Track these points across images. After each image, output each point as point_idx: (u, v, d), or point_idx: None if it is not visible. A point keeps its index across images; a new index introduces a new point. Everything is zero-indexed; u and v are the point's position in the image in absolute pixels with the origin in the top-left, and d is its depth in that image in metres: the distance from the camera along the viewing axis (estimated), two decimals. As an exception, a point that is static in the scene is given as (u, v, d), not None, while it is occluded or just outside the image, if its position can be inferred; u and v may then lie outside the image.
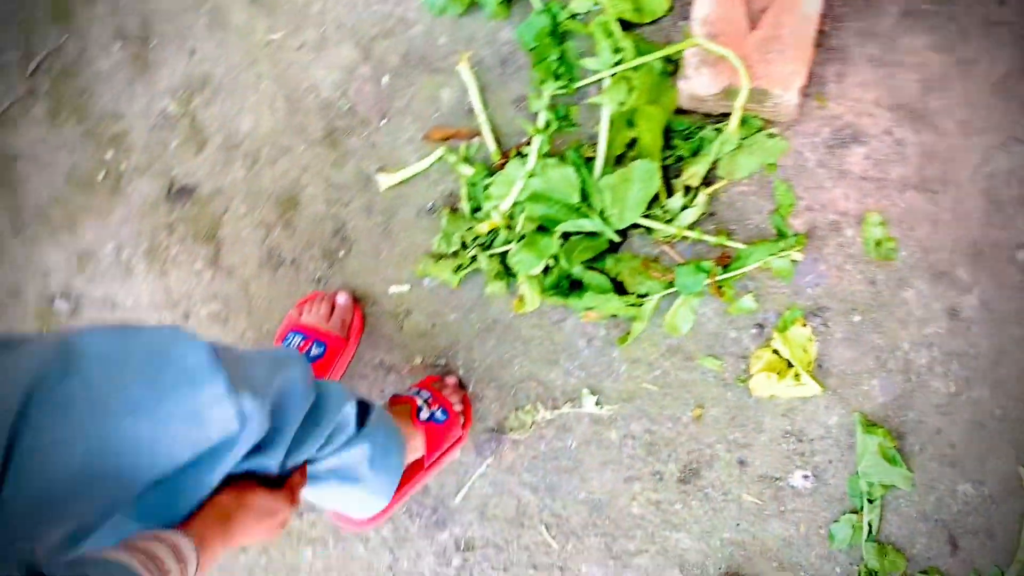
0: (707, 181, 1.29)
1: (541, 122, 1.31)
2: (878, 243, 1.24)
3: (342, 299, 1.39)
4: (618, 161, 1.30)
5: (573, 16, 1.34)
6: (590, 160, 1.29)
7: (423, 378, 1.39)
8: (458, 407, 1.33)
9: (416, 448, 1.25)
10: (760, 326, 1.29)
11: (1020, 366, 1.20)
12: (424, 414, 1.27)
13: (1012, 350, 1.21)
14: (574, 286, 1.32)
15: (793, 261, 1.25)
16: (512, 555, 1.35)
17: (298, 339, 1.34)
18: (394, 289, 1.42)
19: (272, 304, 1.47)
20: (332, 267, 1.44)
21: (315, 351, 1.34)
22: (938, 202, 1.23)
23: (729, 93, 1.19)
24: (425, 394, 1.31)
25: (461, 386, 1.39)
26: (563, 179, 1.27)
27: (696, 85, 1.19)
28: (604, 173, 1.28)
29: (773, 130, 1.26)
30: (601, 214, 1.27)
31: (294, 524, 1.43)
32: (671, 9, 1.32)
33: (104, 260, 1.54)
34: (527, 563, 1.35)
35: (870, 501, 1.23)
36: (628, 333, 1.31)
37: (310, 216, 1.45)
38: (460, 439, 1.34)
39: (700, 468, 1.30)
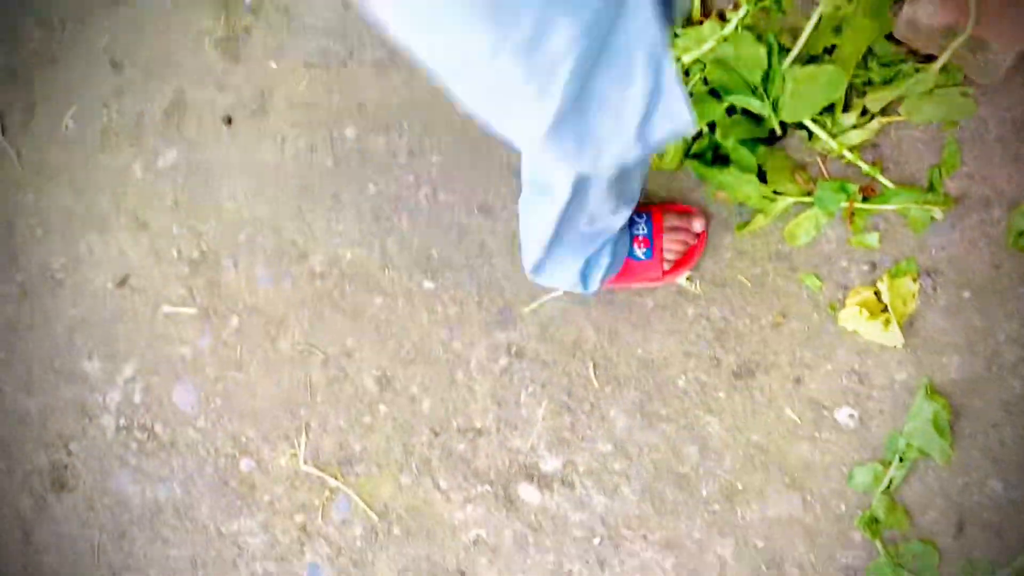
0: (884, 112, 1.29)
1: (755, -5, 1.32)
2: (1020, 233, 1.25)
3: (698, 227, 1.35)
4: (810, 62, 1.31)
5: (828, -89, 1.33)
6: (784, 50, 1.31)
7: (666, 203, 1.37)
8: (671, 255, 1.32)
9: None
10: (873, 265, 1.31)
11: (1102, 396, 1.22)
12: None
13: (1101, 381, 1.22)
14: (717, 161, 1.35)
15: (932, 218, 1.27)
16: (554, 376, 1.43)
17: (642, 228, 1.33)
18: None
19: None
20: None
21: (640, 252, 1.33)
22: (1097, 218, 1.23)
23: (947, 33, 1.19)
24: (642, 228, 1.31)
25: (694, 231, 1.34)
26: (752, 55, 1.29)
27: (921, 12, 1.19)
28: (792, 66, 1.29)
29: (969, 89, 1.26)
30: (774, 102, 1.29)
31: (369, 277, 1.52)
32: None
33: (302, -26, 1.62)
34: (565, 388, 1.42)
35: (901, 460, 1.27)
36: (748, 223, 1.35)
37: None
38: (658, 279, 1.35)
39: (757, 370, 1.35)
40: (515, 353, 1.45)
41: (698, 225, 1.33)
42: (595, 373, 1.41)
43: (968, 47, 1.19)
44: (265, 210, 1.60)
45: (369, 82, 1.57)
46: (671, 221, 1.34)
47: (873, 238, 1.30)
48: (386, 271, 1.52)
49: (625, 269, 1.32)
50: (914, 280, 1.28)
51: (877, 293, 1.29)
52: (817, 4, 1.30)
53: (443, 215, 1.51)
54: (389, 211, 1.53)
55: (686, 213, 1.35)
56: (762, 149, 1.33)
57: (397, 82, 1.56)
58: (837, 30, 1.28)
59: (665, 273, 1.34)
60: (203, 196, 1.63)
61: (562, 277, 1.26)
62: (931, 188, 1.27)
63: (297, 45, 1.62)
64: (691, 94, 1.33)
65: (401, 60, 1.55)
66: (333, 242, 1.55)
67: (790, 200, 1.31)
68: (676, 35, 1.36)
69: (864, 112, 1.29)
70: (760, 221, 1.34)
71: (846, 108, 1.30)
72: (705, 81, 1.33)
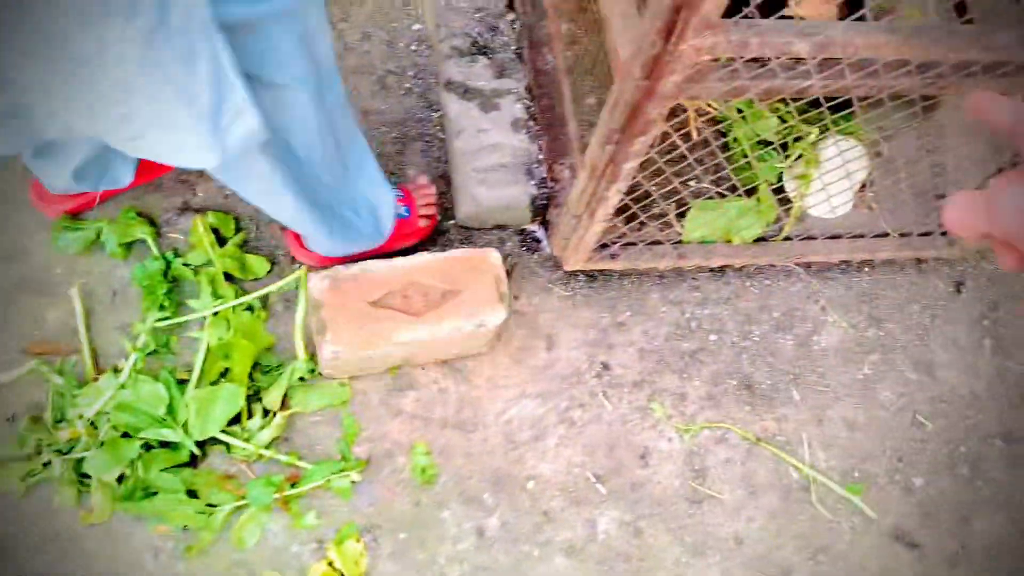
0: (283, 408, 1.48)
1: (140, 342, 1.45)
2: (423, 470, 1.49)
3: None
4: (213, 386, 1.46)
5: (186, 264, 1.55)
6: (184, 382, 1.44)
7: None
8: (423, 202, 1.60)
9: None
10: (320, 541, 1.42)
11: (528, 576, 1.45)
12: None
13: (526, 568, 1.46)
14: (148, 496, 1.38)
15: (353, 482, 1.45)
16: None
17: None
18: (-51, 499, 1.36)
19: None
20: None
21: None
22: (470, 439, 1.53)
23: (310, 337, 1.45)
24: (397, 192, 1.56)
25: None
26: (152, 393, 1.40)
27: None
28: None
29: (344, 378, 1.52)
30: (184, 426, 1.39)
31: None
32: (271, 270, 1.59)
33: None
34: None
35: None
36: (196, 544, 1.37)
37: None
38: (421, 232, 1.60)
39: None
40: None
41: (423, 179, 1.64)
42: None
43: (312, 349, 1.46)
44: None
45: None
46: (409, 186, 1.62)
47: (312, 517, 1.42)
48: None
49: (399, 229, 1.55)
50: (357, 540, 1.42)
51: (331, 563, 1.40)
52: (200, 339, 1.47)
53: None
54: None
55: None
56: (187, 472, 1.40)
57: None
58: (227, 356, 1.46)
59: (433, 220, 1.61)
60: None
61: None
62: (344, 458, 1.46)
63: None
64: (102, 443, 1.36)
65: None
66: None
67: (227, 508, 1.38)
68: (76, 394, 1.41)
69: (266, 413, 1.46)
70: (206, 538, 1.37)
71: (251, 415, 1.46)
72: (115, 428, 1.38)
